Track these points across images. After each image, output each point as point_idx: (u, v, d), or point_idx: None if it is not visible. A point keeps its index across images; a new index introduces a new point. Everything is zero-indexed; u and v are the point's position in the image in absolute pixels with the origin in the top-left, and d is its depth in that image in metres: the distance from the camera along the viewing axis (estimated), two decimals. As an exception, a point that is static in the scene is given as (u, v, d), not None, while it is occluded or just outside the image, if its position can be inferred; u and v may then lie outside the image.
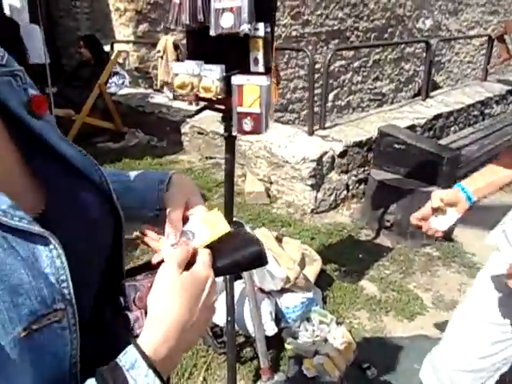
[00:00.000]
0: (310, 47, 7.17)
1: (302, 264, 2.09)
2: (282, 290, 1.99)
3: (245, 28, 1.21)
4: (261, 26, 1.25)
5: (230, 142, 1.59)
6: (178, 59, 4.59)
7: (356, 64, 7.98)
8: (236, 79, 1.34)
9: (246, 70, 1.36)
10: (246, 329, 1.85)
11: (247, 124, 1.37)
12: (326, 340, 1.92)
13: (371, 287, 2.40)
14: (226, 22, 1.21)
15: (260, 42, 1.27)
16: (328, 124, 3.56)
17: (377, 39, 8.19)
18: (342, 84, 7.96)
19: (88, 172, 0.52)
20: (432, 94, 4.72)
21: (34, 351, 0.36)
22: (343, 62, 7.72)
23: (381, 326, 2.12)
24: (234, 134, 1.44)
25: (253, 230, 2.10)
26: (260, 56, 1.29)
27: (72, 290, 0.40)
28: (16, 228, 0.37)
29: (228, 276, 1.53)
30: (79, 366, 0.42)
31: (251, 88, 1.33)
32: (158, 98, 4.92)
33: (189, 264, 0.48)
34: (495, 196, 2.88)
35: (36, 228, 0.38)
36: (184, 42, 5.28)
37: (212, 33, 1.25)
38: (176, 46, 4.61)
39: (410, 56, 8.52)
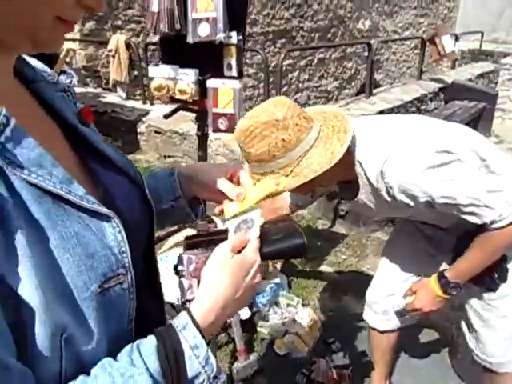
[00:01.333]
0: (258, 46, 7.35)
1: (269, 252, 2.24)
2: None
3: (220, 36, 1.34)
4: (234, 34, 1.38)
5: (203, 140, 1.71)
6: (130, 58, 4.58)
7: (302, 63, 8.28)
8: (211, 82, 1.46)
9: (219, 74, 1.49)
10: (216, 331, 1.97)
11: (222, 123, 1.49)
12: (294, 320, 2.10)
13: (330, 271, 2.61)
14: (203, 31, 1.33)
15: (233, 49, 1.40)
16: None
17: (320, 39, 8.54)
18: (289, 82, 8.23)
19: (125, 168, 0.62)
20: (374, 91, 5.08)
21: (105, 306, 0.46)
22: (290, 61, 7.98)
23: (341, 305, 2.33)
24: (210, 132, 1.55)
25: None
26: (233, 61, 1.43)
27: (130, 260, 0.50)
28: (90, 209, 0.46)
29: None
30: (133, 325, 0.53)
31: (226, 91, 1.45)
32: (110, 97, 4.87)
33: (241, 248, 0.58)
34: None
35: (104, 209, 0.48)
36: (133, 40, 5.24)
37: (190, 40, 1.36)
38: (128, 45, 4.59)
39: (351, 55, 8.97)
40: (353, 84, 9.37)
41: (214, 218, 1.33)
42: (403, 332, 1.67)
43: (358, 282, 2.51)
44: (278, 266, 2.32)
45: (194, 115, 1.66)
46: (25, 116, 0.45)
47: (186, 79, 1.49)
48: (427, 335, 2.15)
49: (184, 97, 1.52)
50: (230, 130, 1.51)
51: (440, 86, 5.80)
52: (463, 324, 1.46)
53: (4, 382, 0.36)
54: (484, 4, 10.13)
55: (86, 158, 0.56)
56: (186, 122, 3.69)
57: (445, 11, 11.25)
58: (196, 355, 0.47)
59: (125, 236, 0.49)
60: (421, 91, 5.47)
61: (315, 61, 8.50)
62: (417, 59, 7.45)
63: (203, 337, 0.49)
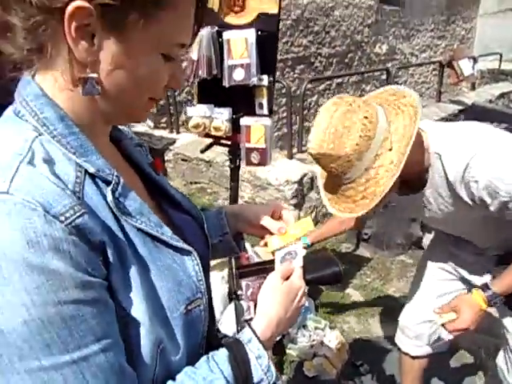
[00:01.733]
0: (278, 73, 7.58)
1: (296, 276, 2.33)
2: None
3: (254, 80, 1.47)
4: (265, 77, 1.52)
5: (235, 171, 1.83)
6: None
7: (321, 87, 8.46)
8: (244, 120, 1.60)
9: (251, 113, 1.62)
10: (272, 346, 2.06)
11: (255, 157, 1.62)
12: (322, 343, 2.16)
13: (356, 294, 2.66)
14: (238, 75, 1.47)
15: (264, 90, 1.54)
16: (305, 148, 3.86)
17: (338, 63, 8.72)
18: (309, 106, 8.39)
19: (189, 209, 0.74)
20: (394, 115, 5.16)
21: (188, 324, 0.56)
22: (309, 86, 8.16)
23: (368, 328, 2.38)
24: (242, 166, 1.68)
25: (252, 247, 2.32)
26: (264, 101, 1.56)
27: (205, 286, 0.61)
28: (175, 246, 0.58)
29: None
30: (205, 340, 0.64)
31: (257, 127, 1.58)
32: (138, 127, 5.10)
33: (289, 275, 0.69)
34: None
35: (186, 246, 0.60)
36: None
37: (226, 84, 1.51)
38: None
39: (369, 79, 9.11)
40: (371, 106, 9.48)
41: (257, 249, 1.44)
42: (434, 357, 1.70)
43: (384, 305, 2.57)
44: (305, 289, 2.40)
45: (227, 149, 1.79)
46: (120, 172, 0.57)
47: (220, 117, 1.63)
48: (456, 360, 2.17)
49: (219, 133, 1.65)
50: (262, 163, 1.64)
51: (460, 107, 5.85)
52: (494, 348, 1.49)
53: (120, 381, 0.47)
54: (501, 24, 10.19)
55: (160, 202, 0.68)
56: (211, 151, 3.85)
57: (462, 32, 11.34)
58: (260, 364, 0.58)
59: (201, 267, 0.60)
60: (440, 114, 5.53)
61: (333, 85, 8.67)
62: (435, 80, 7.53)
63: (265, 349, 0.59)
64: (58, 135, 0.49)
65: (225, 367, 0.55)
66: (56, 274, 0.42)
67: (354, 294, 2.66)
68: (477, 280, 1.46)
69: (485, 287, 1.26)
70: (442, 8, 10.09)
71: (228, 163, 1.88)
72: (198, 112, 1.64)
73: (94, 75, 0.48)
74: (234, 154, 1.75)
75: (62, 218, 0.43)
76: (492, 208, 1.14)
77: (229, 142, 1.74)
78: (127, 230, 0.51)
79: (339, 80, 8.67)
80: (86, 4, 0.44)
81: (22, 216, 0.41)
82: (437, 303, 1.50)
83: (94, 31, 0.46)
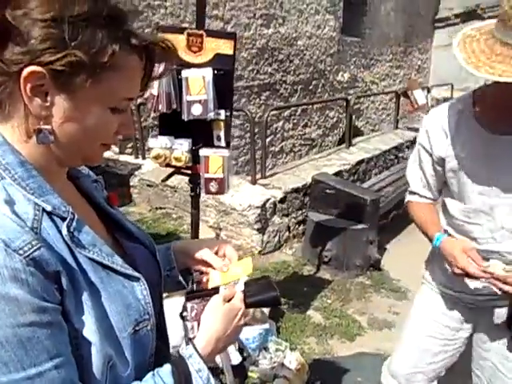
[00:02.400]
0: (244, 99, 7.79)
1: (258, 300, 2.39)
2: (242, 324, 2.27)
3: (211, 115, 1.58)
4: (222, 112, 1.63)
5: (196, 199, 1.91)
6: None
7: (286, 113, 8.72)
8: (203, 151, 1.69)
9: (209, 144, 1.72)
10: (214, 360, 2.09)
11: (213, 186, 1.71)
12: (282, 364, 2.21)
13: (316, 316, 2.75)
14: (196, 110, 1.57)
15: (222, 124, 1.64)
16: (268, 173, 3.99)
17: (303, 90, 9.05)
18: (275, 131, 8.62)
19: (142, 239, 0.81)
20: (354, 141, 5.42)
21: (136, 343, 0.63)
22: (275, 112, 8.41)
23: (327, 349, 2.46)
24: (202, 194, 1.76)
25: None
26: (222, 134, 1.66)
27: (152, 309, 0.68)
28: (125, 273, 0.64)
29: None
30: (153, 358, 0.70)
31: (216, 158, 1.68)
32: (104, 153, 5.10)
33: (230, 298, 0.77)
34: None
35: (135, 273, 0.66)
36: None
37: (185, 118, 1.60)
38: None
39: (333, 105, 9.49)
40: (335, 132, 9.82)
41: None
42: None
43: (343, 326, 2.66)
44: (266, 312, 2.46)
45: (188, 178, 1.87)
46: (76, 207, 0.64)
47: (180, 148, 1.71)
48: None
49: (179, 163, 1.73)
50: (220, 191, 1.73)
51: (416, 134, 6.18)
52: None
53: None
54: (453, 57, 10.94)
55: (114, 233, 0.75)
56: (176, 177, 3.91)
57: (418, 63, 12.04)
58: (200, 376, 0.65)
59: (148, 291, 0.67)
60: (398, 140, 5.84)
61: (298, 111, 8.95)
62: (394, 107, 7.96)
63: (205, 363, 0.67)
64: (19, 178, 0.56)
65: (168, 380, 0.62)
66: (15, 301, 0.48)
67: (314, 316, 2.74)
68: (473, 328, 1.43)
69: None
70: (399, 40, 10.70)
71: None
72: (159, 143, 1.72)
73: (48, 127, 0.56)
74: (194, 182, 1.83)
75: (21, 252, 0.50)
76: None
77: (189, 172, 1.82)
78: (80, 260, 0.58)
79: (304, 106, 8.99)
80: (39, 69, 0.52)
81: None
82: (430, 353, 1.47)
83: (46, 90, 0.54)
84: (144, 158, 4.82)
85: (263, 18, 7.64)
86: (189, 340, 0.73)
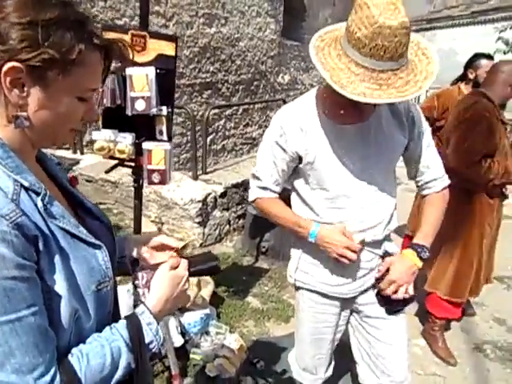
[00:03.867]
0: (186, 97, 7.83)
1: (199, 287, 2.53)
2: (183, 309, 2.39)
3: (153, 110, 1.69)
4: (164, 108, 1.75)
5: (139, 190, 2.01)
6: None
7: (228, 112, 8.89)
8: (146, 145, 1.80)
9: (152, 138, 1.83)
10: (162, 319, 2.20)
11: (156, 178, 1.82)
12: (222, 346, 2.37)
13: (255, 301, 2.94)
14: (140, 106, 1.68)
15: (164, 119, 1.76)
16: (209, 169, 4.13)
17: (244, 90, 9.26)
18: (216, 130, 8.74)
19: (99, 215, 0.92)
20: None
21: (98, 300, 0.75)
22: (217, 111, 8.53)
23: (265, 330, 2.66)
24: (147, 186, 1.86)
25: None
26: (164, 128, 1.78)
27: (111, 273, 0.80)
28: (89, 241, 0.76)
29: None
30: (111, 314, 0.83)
31: (158, 151, 1.79)
32: (39, 147, 4.94)
33: (175, 267, 0.90)
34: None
35: (97, 242, 0.78)
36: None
37: (128, 113, 1.70)
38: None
39: (273, 106, 9.80)
40: (276, 131, 10.15)
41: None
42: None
43: (279, 309, 2.88)
44: (207, 298, 2.61)
45: (130, 170, 1.96)
46: (46, 185, 0.75)
47: (124, 141, 1.80)
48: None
49: (123, 156, 1.82)
50: (162, 182, 1.84)
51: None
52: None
53: (44, 339, 0.64)
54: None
55: (76, 209, 0.86)
56: (116, 172, 3.92)
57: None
58: (150, 329, 0.78)
59: (108, 258, 0.80)
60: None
61: (240, 110, 9.15)
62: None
63: (155, 318, 0.80)
64: None
65: (123, 332, 0.75)
66: (2, 257, 0.59)
67: (252, 301, 2.93)
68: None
69: (414, 245, 1.39)
70: (334, 46, 11.22)
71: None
72: (103, 136, 1.80)
73: (24, 114, 0.67)
74: (137, 174, 1.93)
75: (7, 218, 0.60)
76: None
77: (132, 164, 1.92)
78: (52, 228, 0.69)
79: (245, 106, 9.20)
80: (18, 64, 0.63)
81: None
82: (330, 346, 1.61)
83: (23, 82, 0.65)
84: (82, 153, 4.74)
85: (205, 17, 7.72)
86: (140, 302, 0.86)
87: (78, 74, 0.69)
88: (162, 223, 3.77)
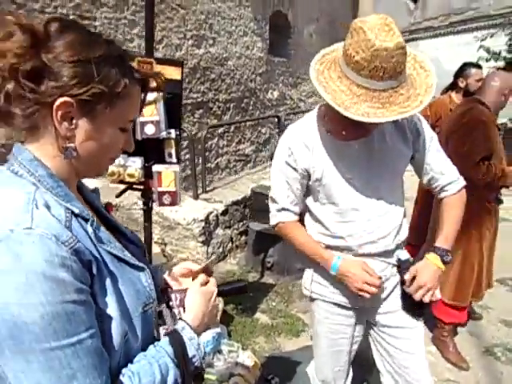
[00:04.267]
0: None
1: (209, 306, 2.54)
2: (196, 330, 2.39)
3: (163, 134, 1.73)
4: (173, 131, 1.79)
5: (148, 213, 2.04)
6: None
7: (220, 130, 8.97)
8: (156, 167, 1.83)
9: (161, 161, 1.86)
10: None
11: (166, 199, 1.85)
12: (236, 363, 2.37)
13: (264, 317, 2.94)
14: (149, 130, 1.72)
15: (172, 142, 1.81)
16: (208, 188, 4.16)
17: (235, 108, 9.37)
18: (210, 148, 8.81)
19: (135, 240, 0.94)
20: (287, 155, 5.76)
21: (144, 321, 0.77)
22: (209, 130, 8.62)
23: (276, 346, 2.66)
24: (155, 207, 1.89)
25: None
26: (173, 151, 1.82)
27: (155, 294, 0.83)
28: (134, 264, 0.79)
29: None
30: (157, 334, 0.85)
31: (168, 173, 1.83)
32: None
33: (205, 283, 0.94)
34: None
35: (141, 264, 0.81)
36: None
37: (138, 137, 1.74)
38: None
39: (265, 122, 9.92)
40: (268, 147, 10.23)
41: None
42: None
43: (288, 324, 2.88)
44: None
45: (135, 193, 1.99)
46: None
47: (133, 165, 1.84)
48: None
49: (133, 180, 1.86)
50: (173, 203, 1.88)
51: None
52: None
53: (101, 361, 0.66)
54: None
55: (114, 234, 0.88)
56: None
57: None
58: (192, 343, 0.81)
59: (152, 279, 0.82)
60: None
61: (232, 128, 9.25)
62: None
63: (195, 333, 0.83)
64: (50, 188, 0.69)
65: (168, 348, 0.78)
66: (63, 282, 0.62)
67: (261, 318, 2.93)
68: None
69: (436, 248, 1.43)
70: (321, 60, 11.43)
71: (135, 206, 2.07)
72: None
73: (72, 145, 0.70)
74: (147, 197, 1.96)
75: (66, 244, 0.63)
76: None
77: (141, 187, 1.95)
78: (102, 253, 0.72)
79: (237, 124, 9.31)
80: (69, 99, 0.67)
81: (42, 243, 0.61)
82: (347, 357, 1.63)
83: (73, 116, 0.69)
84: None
85: (194, 39, 7.86)
86: (179, 319, 0.88)
87: (122, 106, 0.73)
88: (165, 244, 3.78)
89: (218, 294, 0.97)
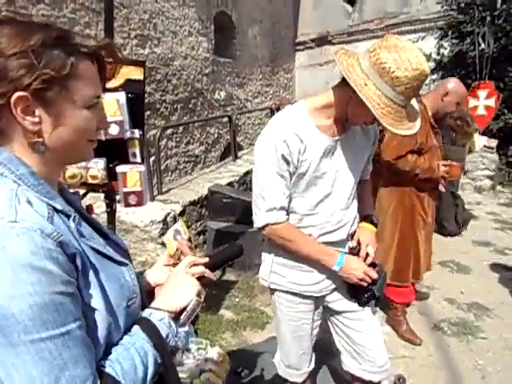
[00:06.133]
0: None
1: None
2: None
3: (127, 134, 1.73)
4: (136, 131, 1.79)
5: (112, 215, 2.01)
6: None
7: (168, 131, 8.85)
8: (120, 168, 1.82)
9: (124, 161, 1.85)
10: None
11: (133, 200, 1.85)
12: (206, 360, 2.39)
13: (228, 313, 2.99)
14: (113, 130, 1.71)
15: (136, 142, 1.80)
16: (165, 189, 4.13)
17: (183, 109, 9.27)
18: (160, 150, 8.67)
19: (117, 240, 0.94)
20: (239, 154, 5.84)
21: (127, 315, 0.78)
22: (156, 131, 8.47)
23: (243, 340, 2.71)
24: (121, 207, 1.87)
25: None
26: (137, 151, 1.82)
27: (138, 288, 0.85)
28: (116, 259, 0.80)
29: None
30: None
31: (133, 173, 1.83)
32: None
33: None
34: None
35: (123, 260, 0.82)
36: None
37: (103, 138, 1.71)
38: None
39: (213, 122, 9.92)
40: (217, 147, 10.24)
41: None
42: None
43: (252, 318, 2.95)
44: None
45: (103, 195, 1.96)
46: None
47: (96, 167, 1.81)
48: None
49: (95, 181, 1.83)
50: (140, 203, 1.87)
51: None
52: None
53: (89, 352, 0.67)
54: (312, 74, 12.34)
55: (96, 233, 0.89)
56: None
57: (285, 81, 13.26)
58: (163, 323, 0.80)
59: (135, 275, 0.84)
60: (276, 151, 6.43)
61: (180, 129, 9.16)
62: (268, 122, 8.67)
63: (163, 311, 0.82)
64: (31, 185, 0.70)
65: (139, 333, 0.77)
66: (50, 273, 0.62)
67: (226, 314, 2.98)
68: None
69: (367, 218, 1.62)
70: (266, 60, 11.65)
71: (98, 209, 2.04)
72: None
73: (40, 139, 0.70)
74: (110, 198, 1.94)
75: (51, 236, 0.64)
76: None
77: (104, 189, 1.92)
78: (84, 247, 0.73)
79: (188, 124, 9.22)
80: (22, 93, 0.67)
81: (27, 235, 0.62)
82: (310, 341, 1.71)
83: (33, 108, 0.69)
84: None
85: (138, 39, 7.70)
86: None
87: (77, 85, 0.72)
88: (122, 248, 3.70)
89: (214, 268, 0.95)
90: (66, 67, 0.69)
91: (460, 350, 2.68)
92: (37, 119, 0.69)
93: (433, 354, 2.64)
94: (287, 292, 1.61)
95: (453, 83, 2.59)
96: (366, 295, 1.53)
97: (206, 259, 0.95)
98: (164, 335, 0.80)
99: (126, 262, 0.83)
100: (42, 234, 0.63)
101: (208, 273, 0.93)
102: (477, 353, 2.65)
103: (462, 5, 7.97)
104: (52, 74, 0.68)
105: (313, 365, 1.81)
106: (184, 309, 0.86)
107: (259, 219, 1.48)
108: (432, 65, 8.38)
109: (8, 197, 0.66)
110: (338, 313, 1.67)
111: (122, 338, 0.77)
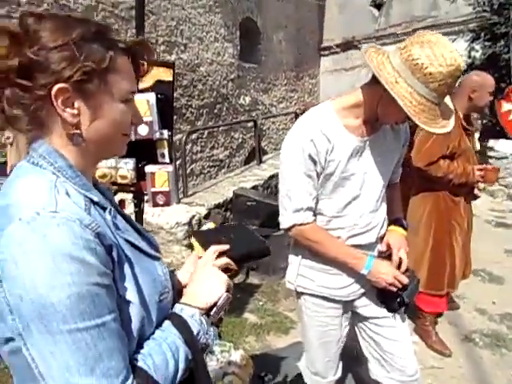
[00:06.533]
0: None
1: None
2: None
3: (156, 135, 1.74)
4: (165, 132, 1.81)
5: (140, 215, 2.03)
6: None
7: (194, 136, 8.95)
8: (149, 168, 1.84)
9: (153, 161, 1.87)
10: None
11: (160, 200, 1.86)
12: (229, 363, 2.38)
13: (252, 317, 2.97)
14: (143, 131, 1.73)
15: (165, 143, 1.82)
16: (190, 192, 4.16)
17: (208, 114, 9.37)
18: (184, 154, 8.76)
19: (148, 236, 0.94)
20: (263, 158, 5.84)
21: (159, 309, 0.78)
22: (182, 135, 8.58)
23: (266, 344, 2.69)
24: (149, 207, 1.89)
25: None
26: (166, 151, 1.84)
27: (170, 283, 0.84)
28: (149, 253, 0.80)
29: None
30: None
31: (161, 173, 1.84)
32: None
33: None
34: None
35: (157, 254, 0.83)
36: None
37: (132, 138, 1.74)
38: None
39: (237, 127, 9.98)
40: (241, 152, 10.29)
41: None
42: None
43: (276, 322, 2.92)
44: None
45: (131, 195, 1.99)
46: None
47: (125, 167, 1.84)
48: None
49: (125, 181, 1.86)
50: (167, 203, 1.89)
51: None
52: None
53: (123, 344, 0.66)
54: (337, 79, 12.25)
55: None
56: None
57: (310, 86, 13.22)
58: (194, 319, 0.80)
59: (167, 270, 0.84)
60: (301, 155, 6.40)
61: (205, 134, 9.25)
62: (293, 128, 8.64)
63: (194, 308, 0.81)
64: (69, 177, 0.71)
65: (171, 329, 0.77)
66: (88, 264, 0.63)
67: (250, 317, 2.96)
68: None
69: (396, 222, 1.58)
70: (291, 65, 11.66)
71: (126, 210, 2.07)
72: (104, 163, 1.83)
73: (78, 131, 0.71)
74: (138, 198, 1.96)
75: (90, 227, 0.65)
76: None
77: (133, 189, 1.95)
78: (119, 240, 0.73)
79: (210, 129, 9.31)
80: (63, 85, 0.68)
81: (67, 225, 0.63)
82: (336, 348, 1.66)
83: (73, 100, 0.70)
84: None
85: (165, 45, 7.85)
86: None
87: (115, 78, 0.74)
88: (147, 249, 3.74)
89: (239, 261, 0.94)
90: (105, 60, 0.71)
91: (493, 363, 2.56)
92: (76, 111, 0.70)
93: (463, 365, 2.54)
94: (315, 295, 1.58)
95: (475, 77, 2.48)
96: (395, 301, 1.49)
97: (227, 246, 0.95)
98: (195, 332, 0.79)
99: (159, 256, 0.83)
100: (81, 224, 0.64)
101: (232, 264, 0.93)
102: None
103: (496, 6, 7.72)
104: (92, 66, 0.69)
105: (340, 373, 1.76)
106: (214, 304, 0.85)
107: (286, 220, 1.45)
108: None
109: (48, 188, 0.67)
110: (367, 318, 1.62)
111: (153, 333, 0.77)
